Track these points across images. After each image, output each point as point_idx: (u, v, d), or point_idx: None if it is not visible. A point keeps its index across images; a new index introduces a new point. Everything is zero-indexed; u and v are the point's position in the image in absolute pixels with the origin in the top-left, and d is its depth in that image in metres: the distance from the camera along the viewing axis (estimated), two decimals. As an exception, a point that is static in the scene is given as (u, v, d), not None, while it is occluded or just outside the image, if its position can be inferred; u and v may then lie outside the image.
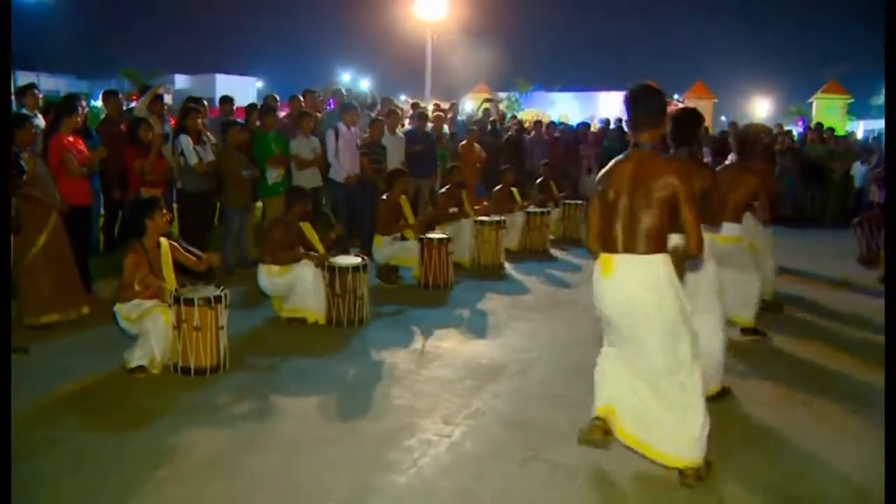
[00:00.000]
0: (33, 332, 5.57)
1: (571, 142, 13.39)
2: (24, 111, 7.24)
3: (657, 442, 3.44)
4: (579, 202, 10.89)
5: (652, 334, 3.35)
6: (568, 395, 4.57)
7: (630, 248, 3.34)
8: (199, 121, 7.52)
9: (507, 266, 8.61)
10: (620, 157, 3.50)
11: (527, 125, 14.49)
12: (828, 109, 30.18)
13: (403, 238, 7.63)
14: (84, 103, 6.96)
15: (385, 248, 7.50)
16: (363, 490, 3.40)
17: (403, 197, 7.67)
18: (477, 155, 10.51)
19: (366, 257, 6.41)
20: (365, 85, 27.35)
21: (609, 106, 30.16)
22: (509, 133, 12.67)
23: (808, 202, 13.69)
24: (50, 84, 36.27)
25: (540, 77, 42.88)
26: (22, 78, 23.05)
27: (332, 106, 10.26)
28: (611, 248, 3.40)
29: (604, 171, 3.52)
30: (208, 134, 7.74)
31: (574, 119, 23.49)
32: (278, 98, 10.62)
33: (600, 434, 3.50)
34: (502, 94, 33.20)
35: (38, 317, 5.71)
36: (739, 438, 4.00)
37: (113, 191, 7.86)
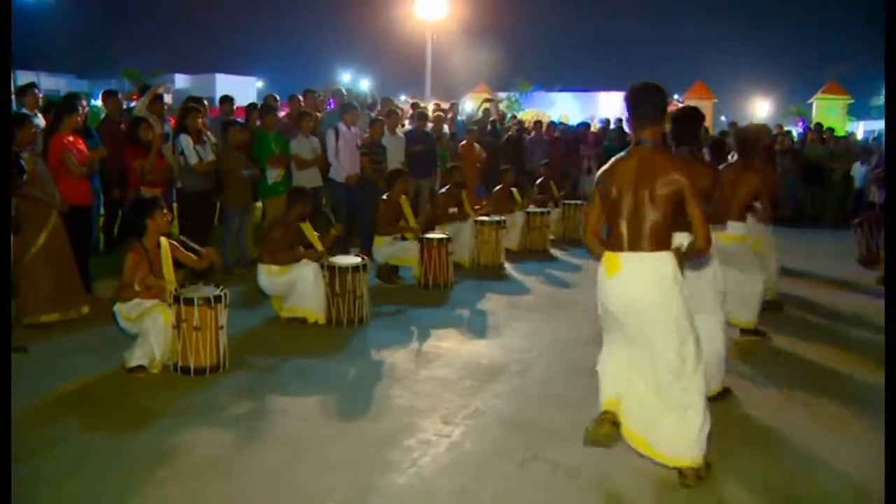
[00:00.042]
0: (33, 331, 5.57)
1: (571, 142, 13.40)
2: (25, 110, 7.24)
3: (657, 443, 3.44)
4: (579, 202, 10.88)
5: (659, 332, 3.34)
6: (568, 395, 4.57)
7: (635, 246, 3.33)
8: (200, 120, 7.52)
9: (507, 266, 8.61)
10: (621, 154, 3.49)
11: (527, 125, 14.50)
12: (828, 110, 30.18)
13: (403, 238, 7.63)
14: (84, 103, 6.97)
15: (385, 248, 7.50)
16: (363, 490, 3.40)
17: (403, 197, 7.67)
18: (477, 155, 10.51)
19: (366, 257, 6.41)
20: (365, 85, 27.36)
21: (609, 106, 30.19)
22: (509, 133, 12.67)
23: (807, 202, 13.69)
24: (50, 83, 36.32)
25: (540, 77, 42.94)
26: (22, 77, 23.08)
27: (332, 106, 10.26)
28: (616, 246, 3.39)
29: (604, 168, 3.50)
30: (208, 133, 7.74)
31: (574, 119, 23.50)
32: (278, 98, 10.63)
33: (609, 427, 3.45)
34: (502, 94, 33.22)
35: (38, 316, 5.71)
36: (739, 438, 4.00)
37: (113, 190, 7.86)
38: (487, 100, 15.63)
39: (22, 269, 5.63)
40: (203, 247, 5.44)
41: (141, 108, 8.23)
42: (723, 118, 33.85)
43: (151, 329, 4.74)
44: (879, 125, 28.07)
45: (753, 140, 5.67)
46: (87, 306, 6.00)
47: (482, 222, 8.53)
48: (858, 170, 13.54)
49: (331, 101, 10.47)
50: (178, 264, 5.25)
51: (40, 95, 8.07)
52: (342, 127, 8.45)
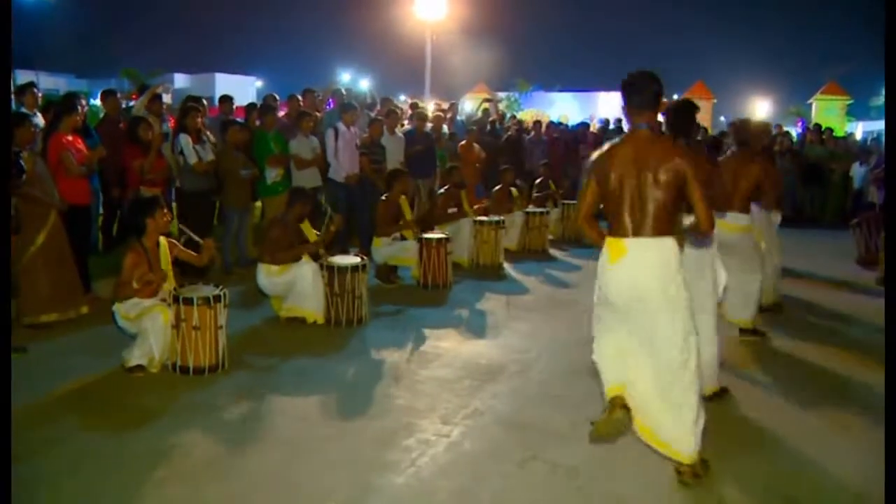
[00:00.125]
0: (32, 331, 5.56)
1: (571, 142, 13.40)
2: (24, 110, 7.23)
3: (656, 429, 3.45)
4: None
5: (664, 321, 3.33)
6: (567, 395, 4.57)
7: (639, 232, 3.32)
8: (199, 120, 7.51)
9: (507, 266, 8.61)
10: (616, 140, 3.50)
11: (526, 125, 14.50)
12: (827, 110, 30.18)
13: (402, 238, 7.63)
14: (83, 102, 6.95)
15: (384, 248, 7.50)
16: (362, 490, 3.40)
17: (403, 197, 7.67)
18: (476, 155, 10.50)
19: (365, 257, 6.41)
20: (364, 85, 27.35)
21: (609, 106, 30.15)
22: (508, 133, 12.67)
23: (807, 203, 13.70)
24: (49, 83, 36.32)
25: (539, 77, 42.92)
26: (21, 77, 23.08)
27: (331, 106, 10.26)
28: (619, 232, 3.37)
29: (599, 154, 3.47)
30: (208, 133, 7.74)
31: (573, 119, 23.50)
32: (277, 97, 10.62)
33: (621, 411, 3.42)
34: (502, 94, 33.18)
35: (38, 316, 5.70)
36: (739, 438, 4.00)
37: (112, 190, 7.86)
38: (487, 100, 15.58)
39: (21, 269, 5.63)
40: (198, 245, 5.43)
41: (140, 107, 8.22)
42: (722, 118, 33.89)
43: (150, 329, 4.74)
44: (878, 126, 28.07)
45: (754, 134, 5.69)
46: (86, 306, 6.00)
47: (481, 222, 8.53)
48: (857, 170, 13.54)
49: (330, 100, 10.47)
50: (177, 263, 5.25)
51: (39, 95, 8.07)
52: (341, 127, 8.44)
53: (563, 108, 34.17)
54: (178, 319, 4.77)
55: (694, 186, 3.30)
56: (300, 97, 9.92)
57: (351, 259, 6.31)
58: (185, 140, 7.24)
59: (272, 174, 7.93)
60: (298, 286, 5.96)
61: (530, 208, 9.84)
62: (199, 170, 7.28)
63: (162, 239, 5.12)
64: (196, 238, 5.37)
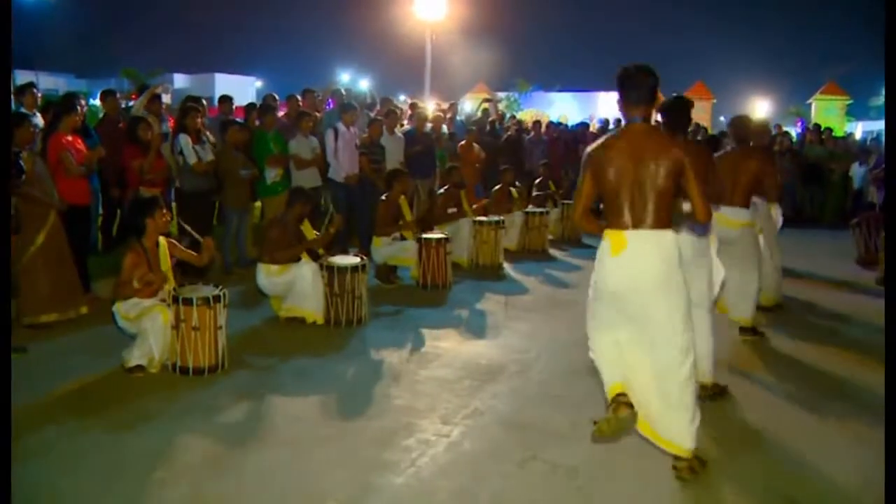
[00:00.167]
0: (32, 331, 5.56)
1: (570, 142, 13.40)
2: (23, 110, 7.23)
3: (654, 423, 3.45)
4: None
5: (665, 313, 3.33)
6: (567, 395, 4.57)
7: (640, 224, 3.32)
8: (199, 120, 7.51)
9: (506, 266, 8.61)
10: (612, 134, 3.51)
11: (525, 125, 14.49)
12: (826, 111, 30.19)
13: (402, 238, 7.63)
14: (83, 102, 6.95)
15: (384, 248, 7.49)
16: (362, 490, 3.40)
17: (403, 197, 7.67)
18: (476, 155, 10.50)
19: (364, 257, 6.40)
20: (364, 85, 27.35)
21: (608, 106, 30.14)
22: (508, 133, 12.67)
23: (806, 203, 13.70)
24: (49, 83, 36.33)
25: (539, 77, 42.91)
26: (21, 77, 23.08)
27: (331, 106, 10.26)
28: (619, 224, 3.36)
29: (595, 147, 3.46)
30: (207, 133, 7.73)
31: (573, 119, 23.49)
32: (277, 97, 10.62)
33: (626, 409, 3.40)
34: (501, 94, 33.18)
35: (37, 316, 5.70)
36: (739, 439, 4.01)
37: (111, 190, 7.86)
38: (486, 100, 15.56)
39: (21, 269, 5.63)
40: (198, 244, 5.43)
41: (138, 107, 8.22)
42: (722, 118, 33.86)
43: (150, 329, 4.73)
44: (878, 126, 28.09)
45: (754, 132, 5.72)
46: (85, 306, 6.00)
47: (481, 222, 8.53)
48: (857, 170, 13.56)
49: (330, 101, 10.47)
50: (177, 263, 5.25)
51: (39, 95, 8.07)
52: (341, 127, 8.44)
53: (563, 108, 34.18)
54: (177, 320, 4.77)
55: (691, 178, 3.33)
56: (299, 97, 9.92)
57: (350, 259, 6.31)
58: (185, 140, 7.23)
59: (272, 174, 7.93)
60: (298, 286, 5.96)
61: (530, 208, 9.83)
62: (199, 170, 7.27)
63: (162, 239, 5.12)
64: (197, 236, 5.37)
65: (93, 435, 3.93)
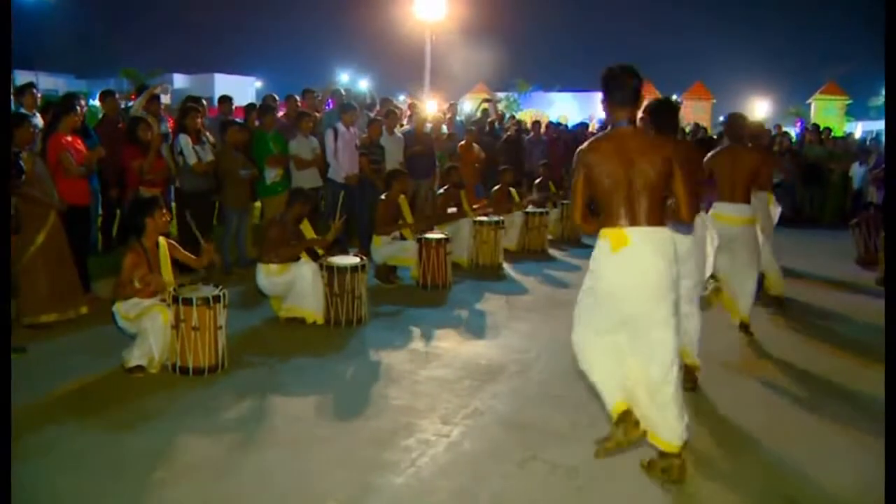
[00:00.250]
0: (32, 331, 5.56)
1: (570, 142, 13.39)
2: (23, 110, 7.24)
3: (643, 418, 3.45)
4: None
5: (659, 309, 3.34)
6: (567, 395, 4.57)
7: (637, 222, 3.33)
8: (199, 120, 7.51)
9: (506, 266, 8.61)
10: (600, 135, 3.54)
11: (524, 125, 14.49)
12: (826, 111, 30.24)
13: (402, 238, 7.63)
14: (82, 103, 6.95)
15: (383, 248, 7.49)
16: (361, 490, 3.40)
17: (402, 197, 7.67)
18: (475, 155, 10.51)
19: (364, 257, 6.40)
20: (364, 85, 27.34)
21: (608, 106, 30.12)
22: (508, 133, 12.67)
23: (806, 203, 13.70)
24: (48, 83, 36.34)
25: (539, 77, 42.99)
26: (21, 77, 23.07)
27: (330, 106, 10.26)
28: (616, 222, 3.36)
29: (585, 149, 3.46)
30: (207, 134, 7.74)
31: (573, 119, 23.50)
32: (277, 98, 10.62)
33: (636, 431, 3.41)
34: (501, 95, 33.21)
35: (37, 316, 5.70)
36: (738, 439, 4.01)
37: (111, 190, 7.86)
38: (486, 100, 15.55)
39: (21, 269, 5.62)
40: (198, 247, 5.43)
41: (137, 108, 8.23)
42: (721, 118, 33.86)
43: (150, 329, 4.73)
44: (878, 125, 28.10)
45: (752, 133, 5.75)
46: (85, 306, 6.00)
47: (481, 222, 8.53)
48: (857, 170, 13.55)
49: (329, 101, 10.47)
50: (176, 263, 5.25)
51: (39, 95, 8.07)
52: (341, 127, 8.44)
53: (563, 108, 34.22)
54: (177, 320, 4.77)
55: (679, 179, 3.37)
56: (298, 97, 9.93)
57: (350, 259, 6.30)
58: (185, 140, 7.24)
59: (271, 174, 7.93)
60: (298, 286, 5.96)
61: (530, 208, 9.83)
62: (199, 170, 7.28)
63: (161, 239, 5.12)
64: (197, 233, 5.36)
65: (93, 435, 3.93)
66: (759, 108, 41.06)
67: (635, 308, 3.38)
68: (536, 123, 13.74)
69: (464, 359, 5.30)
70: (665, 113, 4.46)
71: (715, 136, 8.36)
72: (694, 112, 29.82)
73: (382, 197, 7.60)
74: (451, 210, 8.60)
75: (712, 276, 5.34)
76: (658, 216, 3.37)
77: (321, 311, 6.01)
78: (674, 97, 31.52)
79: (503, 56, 47.16)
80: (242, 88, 42.07)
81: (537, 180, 10.99)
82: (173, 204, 7.90)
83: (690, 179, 3.64)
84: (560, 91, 39.84)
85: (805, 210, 13.58)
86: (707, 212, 5.27)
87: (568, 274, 8.33)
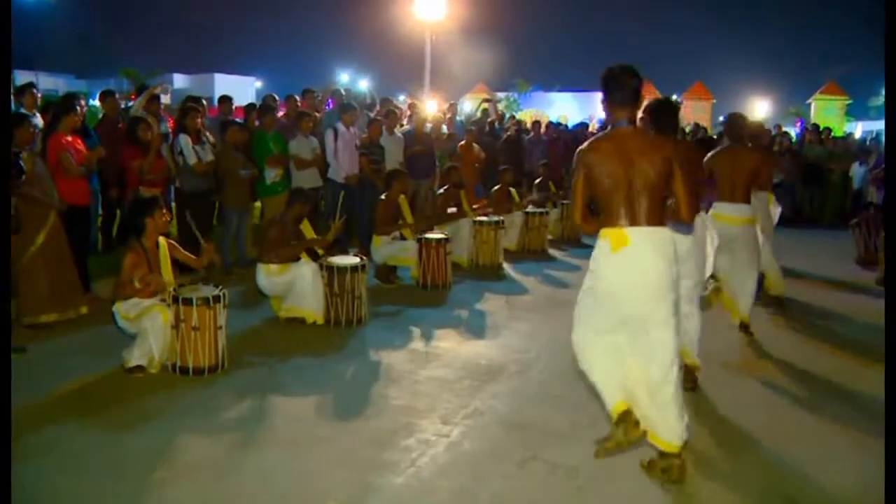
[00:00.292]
0: (32, 331, 5.56)
1: (570, 142, 13.39)
2: (23, 110, 7.24)
3: (643, 419, 3.45)
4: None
5: (660, 309, 3.33)
6: (567, 395, 4.57)
7: (637, 222, 3.33)
8: (199, 120, 7.51)
9: (506, 266, 8.61)
10: (600, 135, 3.53)
11: (526, 125, 14.49)
12: (826, 111, 30.24)
13: (402, 238, 7.63)
14: (82, 103, 6.95)
15: (383, 248, 7.49)
16: (362, 490, 3.40)
17: (402, 197, 7.67)
18: (475, 155, 10.51)
19: (364, 257, 6.40)
20: (364, 85, 27.33)
21: (608, 106, 30.12)
22: (508, 133, 12.67)
23: (806, 203, 13.70)
24: (48, 83, 36.35)
25: (539, 77, 43.01)
26: (21, 77, 23.07)
27: (330, 106, 10.26)
28: (616, 222, 3.35)
29: (585, 150, 3.46)
30: (207, 133, 7.74)
31: (573, 119, 23.50)
32: (277, 98, 10.62)
33: (636, 431, 3.41)
34: (501, 95, 33.21)
35: (37, 316, 5.70)
36: (738, 439, 4.01)
37: (111, 190, 7.86)
38: (486, 100, 15.54)
39: (21, 269, 5.62)
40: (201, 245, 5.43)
41: (137, 108, 8.23)
42: (721, 118, 33.85)
43: (150, 329, 4.73)
44: (877, 125, 28.10)
45: (752, 133, 5.74)
46: (85, 306, 6.00)
47: (481, 222, 8.53)
48: (857, 170, 13.55)
49: (329, 101, 10.47)
50: (177, 264, 5.25)
51: (39, 95, 8.07)
52: (341, 127, 8.44)
53: (563, 108, 34.22)
54: (177, 320, 4.77)
55: (679, 179, 3.37)
56: (298, 97, 9.93)
57: (350, 259, 6.30)
58: (185, 140, 7.24)
59: (271, 174, 7.93)
60: (298, 286, 5.96)
61: (530, 208, 9.83)
62: (199, 170, 7.28)
63: (161, 239, 5.12)
64: (197, 233, 5.36)
65: (93, 435, 3.93)
66: (759, 108, 41.05)
67: (635, 308, 3.37)
68: (536, 123, 13.74)
69: (464, 359, 5.30)
70: (665, 113, 4.46)
71: (715, 136, 8.36)
72: (694, 112, 29.84)
73: (382, 197, 7.60)
74: (451, 210, 8.59)
75: (712, 276, 5.35)
76: (658, 216, 3.37)
77: (321, 311, 6.01)
78: (674, 97, 31.54)
79: (503, 56, 47.18)
80: (242, 88, 42.08)
81: (537, 180, 10.99)
82: (173, 204, 7.90)
83: (690, 179, 3.65)
84: (560, 91, 39.85)
85: (805, 210, 13.58)
86: (707, 212, 5.27)
87: (568, 274, 8.33)
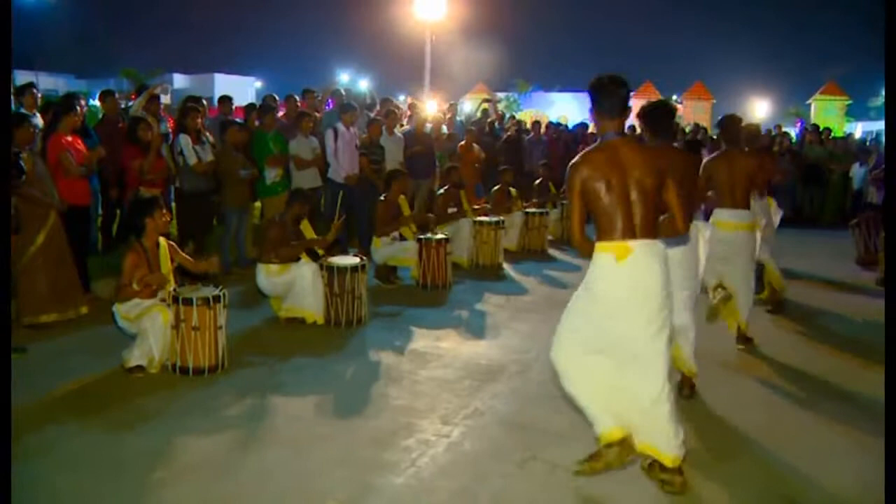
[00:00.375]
0: (32, 331, 5.56)
1: (570, 142, 13.41)
2: (23, 110, 7.23)
3: (638, 434, 3.42)
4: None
5: (654, 322, 3.31)
6: (567, 395, 4.56)
7: (636, 235, 3.30)
8: (199, 120, 7.51)
9: (506, 266, 8.62)
10: (591, 148, 3.46)
11: (526, 125, 14.50)
12: (826, 111, 30.22)
13: (402, 238, 7.63)
14: (82, 103, 6.95)
15: (384, 248, 7.50)
16: (362, 490, 3.40)
17: (402, 197, 7.67)
18: (476, 155, 10.51)
19: (364, 258, 6.41)
20: (364, 85, 27.35)
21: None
22: (508, 133, 12.68)
23: (806, 203, 13.71)
24: (49, 83, 36.35)
25: (539, 77, 43.02)
26: (21, 77, 23.08)
27: (330, 106, 10.26)
28: (616, 235, 3.30)
29: (579, 163, 3.37)
30: (207, 133, 7.73)
31: (573, 119, 23.49)
32: (277, 98, 10.62)
33: (631, 452, 3.43)
34: (501, 95, 33.22)
35: (37, 316, 5.70)
36: (737, 439, 4.01)
37: (110, 190, 7.86)
38: (486, 100, 15.54)
39: (21, 270, 5.62)
40: (202, 247, 5.44)
41: (137, 108, 8.22)
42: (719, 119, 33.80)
43: (150, 329, 4.74)
44: (878, 126, 28.11)
45: (749, 134, 5.72)
46: (85, 306, 6.00)
47: (481, 223, 8.53)
48: (858, 171, 13.54)
49: (329, 101, 10.47)
50: (179, 269, 5.25)
51: (39, 95, 8.06)
52: (341, 127, 8.44)
53: (563, 108, 34.22)
54: (177, 320, 4.77)
55: (672, 189, 3.37)
56: (298, 98, 9.93)
57: (350, 259, 6.31)
58: (186, 140, 7.24)
59: (271, 174, 7.93)
60: (298, 286, 5.96)
61: (530, 208, 9.82)
62: (199, 170, 7.28)
63: (162, 240, 5.12)
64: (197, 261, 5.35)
65: (93, 435, 3.93)
66: (759, 109, 41.07)
67: (632, 322, 3.31)
68: (536, 124, 13.74)
69: (464, 359, 5.30)
70: (661, 117, 4.43)
71: (714, 137, 8.35)
72: (694, 112, 29.82)
73: (382, 197, 7.60)
74: (452, 210, 8.59)
75: (720, 286, 5.32)
76: (654, 229, 3.35)
77: (321, 311, 6.01)
78: (674, 97, 31.58)
79: (503, 56, 47.22)
80: (242, 88, 42.09)
81: (537, 181, 10.98)
82: (173, 204, 7.89)
83: (684, 186, 3.67)
84: (560, 91, 39.86)
85: (805, 210, 13.58)
86: (708, 219, 5.26)
87: (568, 274, 8.33)
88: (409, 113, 11.57)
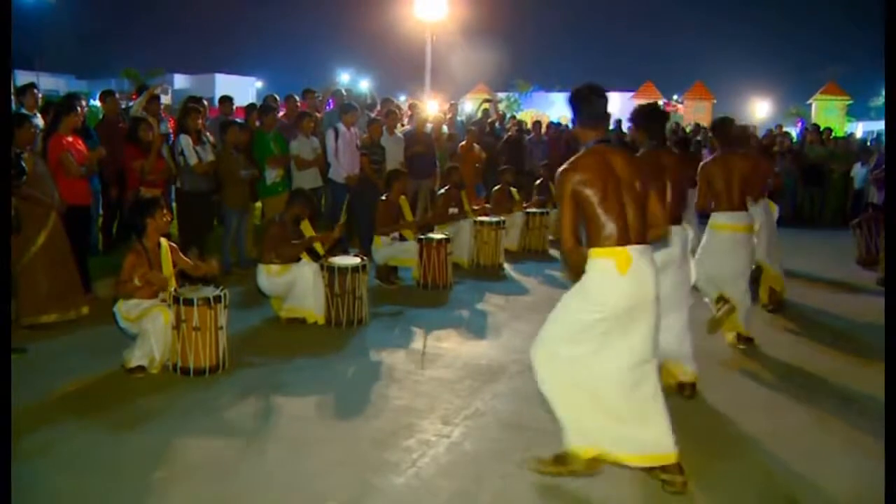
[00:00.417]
0: (32, 331, 5.56)
1: (571, 142, 13.39)
2: (24, 111, 7.23)
3: (630, 446, 3.39)
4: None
5: (650, 323, 3.34)
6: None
7: (634, 240, 3.30)
8: (199, 121, 7.51)
9: (507, 266, 8.61)
10: (579, 154, 3.45)
11: (527, 125, 14.50)
12: (827, 111, 30.18)
13: (402, 238, 7.63)
14: (83, 103, 6.95)
15: (384, 248, 7.50)
16: (362, 490, 3.40)
17: (403, 197, 7.67)
18: (476, 155, 10.50)
19: (365, 258, 6.41)
20: (364, 85, 27.33)
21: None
22: (509, 133, 12.67)
23: (806, 203, 13.70)
24: (49, 83, 36.36)
25: (539, 77, 43.02)
26: (21, 77, 23.10)
27: (331, 106, 10.26)
28: (615, 241, 3.28)
29: (569, 170, 3.36)
30: (208, 134, 7.74)
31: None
32: (278, 98, 10.62)
33: (593, 468, 3.46)
34: (501, 95, 33.23)
35: (37, 316, 5.70)
36: (737, 440, 4.01)
37: (111, 190, 7.86)
38: (487, 100, 15.53)
39: (21, 270, 5.62)
40: (202, 248, 5.44)
41: (137, 108, 8.22)
42: (714, 120, 33.77)
43: (151, 329, 4.74)
44: (878, 126, 28.11)
45: (739, 137, 5.73)
46: (86, 307, 6.00)
47: (481, 223, 8.53)
48: (858, 171, 13.54)
49: (330, 101, 10.47)
50: (182, 274, 5.25)
51: (39, 95, 8.07)
52: (341, 127, 8.44)
53: (563, 108, 33.93)
54: (178, 320, 4.77)
55: (656, 193, 3.44)
56: (298, 98, 9.93)
57: (351, 260, 6.31)
58: (186, 141, 7.24)
59: (272, 175, 7.93)
60: (298, 287, 5.96)
61: (530, 209, 9.82)
62: (200, 170, 7.28)
63: (163, 241, 5.12)
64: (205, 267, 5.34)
65: (93, 435, 3.93)
66: (760, 108, 41.06)
67: (627, 324, 3.31)
68: (537, 124, 13.75)
69: (464, 359, 5.30)
70: (654, 119, 4.47)
71: (688, 136, 8.32)
72: (694, 112, 29.80)
73: (382, 197, 7.60)
74: (452, 210, 8.59)
75: (721, 298, 5.31)
76: (645, 233, 3.38)
77: (322, 311, 6.01)
78: (674, 97, 31.59)
79: (503, 56, 47.27)
80: (243, 88, 42.13)
81: (538, 181, 10.98)
82: (174, 204, 7.90)
83: (675, 187, 3.83)
84: (560, 91, 39.82)
85: (805, 210, 13.57)
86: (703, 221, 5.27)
87: (568, 274, 8.32)
88: (409, 113, 11.56)
